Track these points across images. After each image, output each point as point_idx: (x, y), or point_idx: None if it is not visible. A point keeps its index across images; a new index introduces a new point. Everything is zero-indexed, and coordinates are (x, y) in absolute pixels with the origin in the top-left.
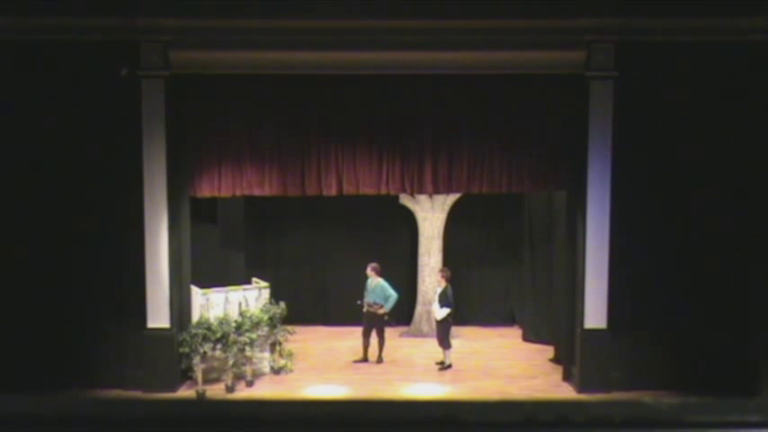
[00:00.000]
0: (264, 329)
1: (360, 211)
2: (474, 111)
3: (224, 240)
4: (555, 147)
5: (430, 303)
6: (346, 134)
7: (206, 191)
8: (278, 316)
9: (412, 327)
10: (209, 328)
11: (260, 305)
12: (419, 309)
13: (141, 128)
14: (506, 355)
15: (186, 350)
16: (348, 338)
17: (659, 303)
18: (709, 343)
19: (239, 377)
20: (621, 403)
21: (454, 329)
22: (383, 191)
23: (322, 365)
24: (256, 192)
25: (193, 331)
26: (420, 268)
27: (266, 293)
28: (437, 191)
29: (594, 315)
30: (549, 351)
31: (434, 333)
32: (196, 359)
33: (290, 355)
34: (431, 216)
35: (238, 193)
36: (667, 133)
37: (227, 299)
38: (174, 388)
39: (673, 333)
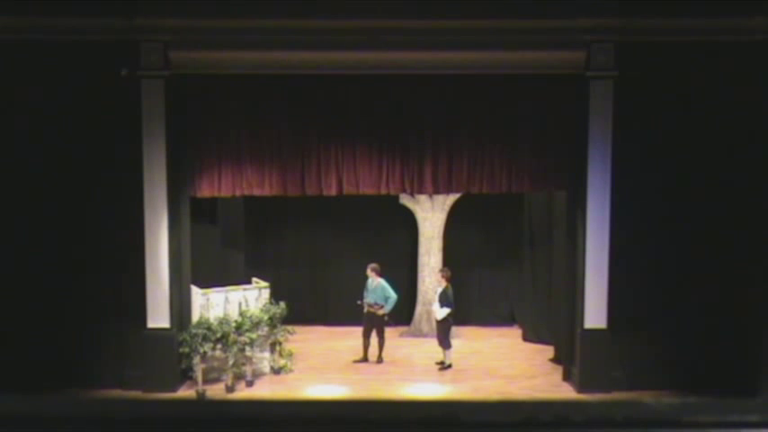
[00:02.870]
0: (264, 329)
1: (360, 211)
2: (474, 111)
3: (224, 240)
4: (555, 147)
5: (430, 303)
6: (346, 134)
7: (206, 191)
8: (278, 316)
9: (412, 327)
10: (209, 328)
11: (260, 305)
12: (419, 309)
13: (141, 128)
14: (506, 355)
15: (186, 350)
16: (348, 338)
17: (659, 303)
18: (709, 343)
19: (239, 377)
20: (621, 403)
21: (454, 329)
22: (383, 191)
23: (322, 365)
24: (256, 192)
25: (193, 331)
26: (420, 268)
27: (266, 293)
28: (437, 191)
29: (594, 315)
30: (549, 351)
31: (434, 333)
32: (196, 359)
33: (290, 355)
34: (431, 216)
35: (238, 193)
36: (667, 133)
37: (227, 299)
38: (174, 388)
39: (673, 333)
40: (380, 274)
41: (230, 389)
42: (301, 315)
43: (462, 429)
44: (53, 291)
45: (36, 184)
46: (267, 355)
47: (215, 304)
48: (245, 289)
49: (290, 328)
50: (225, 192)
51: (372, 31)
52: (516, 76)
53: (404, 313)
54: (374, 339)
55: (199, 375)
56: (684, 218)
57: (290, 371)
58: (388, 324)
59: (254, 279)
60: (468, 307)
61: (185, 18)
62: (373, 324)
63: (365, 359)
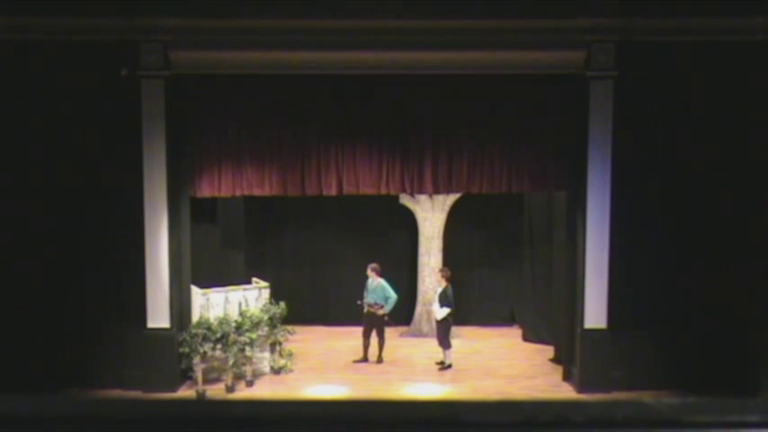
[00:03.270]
0: (264, 329)
1: (360, 211)
2: (474, 111)
3: (224, 240)
4: (555, 147)
5: (430, 303)
6: (346, 134)
7: (206, 191)
8: (278, 316)
9: (412, 327)
10: (209, 328)
11: (260, 305)
12: (419, 309)
13: (141, 128)
14: (506, 355)
15: (186, 350)
16: (348, 338)
17: (659, 303)
18: (709, 343)
19: (239, 377)
20: (621, 403)
21: (454, 329)
22: (383, 191)
23: (322, 365)
24: (256, 192)
25: (193, 331)
26: (420, 268)
27: (266, 293)
28: (437, 191)
29: (594, 315)
30: (549, 351)
31: (434, 333)
32: (196, 359)
33: (290, 355)
34: (431, 216)
35: (238, 193)
36: (667, 133)
37: (227, 299)
38: (174, 388)
39: (673, 333)
40: (380, 274)
41: (230, 389)
42: (301, 315)
43: (462, 429)
44: (53, 291)
45: (36, 184)
46: (267, 355)
47: (215, 304)
48: (245, 289)
49: (290, 328)
50: (225, 192)
51: (372, 31)
52: (516, 76)
53: (404, 313)
54: (374, 339)
55: (199, 375)
56: (684, 218)
57: (290, 371)
58: (388, 324)
59: (254, 279)
60: (468, 307)
61: (185, 18)
62: (373, 324)
63: (365, 359)
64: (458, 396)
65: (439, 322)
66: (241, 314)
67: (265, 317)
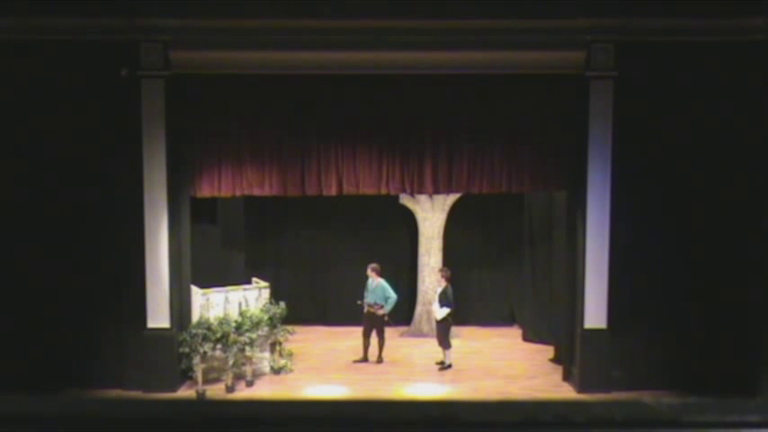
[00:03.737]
0: (264, 329)
1: (360, 211)
2: (474, 111)
3: (224, 240)
4: (555, 147)
5: (430, 303)
6: (346, 134)
7: (206, 191)
8: (278, 316)
9: (412, 327)
10: (209, 328)
11: (260, 305)
12: (419, 309)
13: (141, 128)
14: (506, 355)
15: (186, 350)
16: (348, 338)
17: (659, 303)
18: (709, 343)
19: (239, 377)
20: (621, 403)
21: (454, 329)
22: (383, 191)
23: (322, 365)
24: (256, 192)
25: (193, 331)
26: (420, 268)
27: (266, 293)
28: (437, 191)
29: (594, 315)
30: (549, 351)
31: (434, 333)
32: (196, 359)
33: (290, 355)
34: (431, 216)
35: (238, 193)
36: (667, 133)
37: (227, 299)
38: (174, 388)
39: (673, 333)
40: (380, 275)
41: (230, 389)
42: (301, 315)
43: (462, 429)
44: (53, 291)
45: (36, 184)
46: (267, 355)
47: (215, 304)
48: (245, 289)
49: (290, 328)
50: (225, 192)
51: (372, 31)
52: (516, 76)
53: (404, 313)
54: (374, 339)
55: (199, 375)
56: (684, 218)
57: (290, 371)
58: (388, 324)
59: (254, 279)
60: (468, 307)
61: (185, 18)
62: (373, 324)
63: (365, 359)
64: (458, 396)
65: (439, 322)
66: (241, 314)
67: (265, 317)
